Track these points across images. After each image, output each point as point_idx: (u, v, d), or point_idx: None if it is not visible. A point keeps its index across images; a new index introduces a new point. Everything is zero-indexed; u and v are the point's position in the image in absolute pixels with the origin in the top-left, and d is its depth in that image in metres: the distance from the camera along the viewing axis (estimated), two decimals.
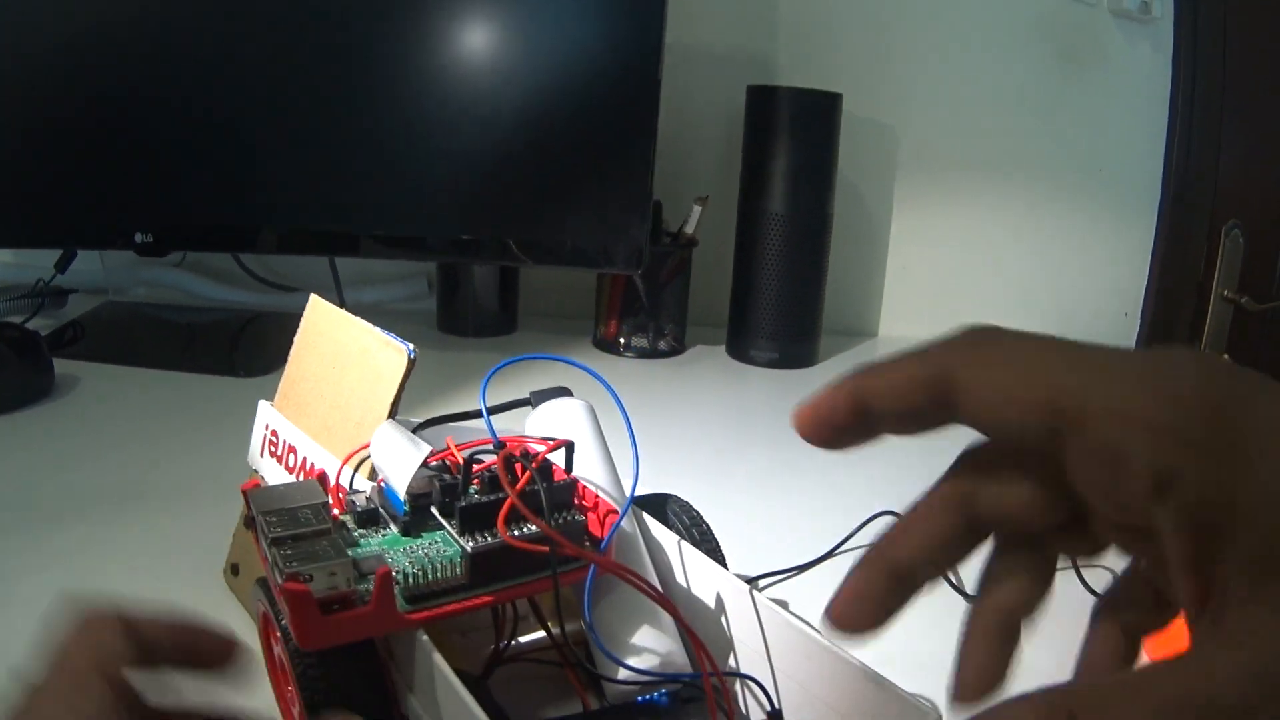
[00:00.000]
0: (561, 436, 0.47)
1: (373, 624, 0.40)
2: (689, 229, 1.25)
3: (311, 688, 0.41)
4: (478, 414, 0.46)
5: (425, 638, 0.40)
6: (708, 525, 0.57)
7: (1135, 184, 1.45)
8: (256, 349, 1.16)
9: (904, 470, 0.92)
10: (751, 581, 0.69)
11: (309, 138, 1.09)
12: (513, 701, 0.44)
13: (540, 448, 0.45)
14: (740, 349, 1.28)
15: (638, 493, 0.49)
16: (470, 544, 0.41)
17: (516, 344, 1.26)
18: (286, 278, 1.36)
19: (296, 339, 0.55)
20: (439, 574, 0.41)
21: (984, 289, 1.48)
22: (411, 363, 0.46)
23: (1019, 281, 1.48)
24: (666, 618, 0.45)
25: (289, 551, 0.39)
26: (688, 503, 0.59)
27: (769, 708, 0.43)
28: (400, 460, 0.43)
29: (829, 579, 0.72)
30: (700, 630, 0.46)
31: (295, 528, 0.41)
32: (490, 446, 0.45)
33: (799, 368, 1.27)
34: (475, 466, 0.43)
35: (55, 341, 1.10)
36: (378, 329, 0.49)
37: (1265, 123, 1.43)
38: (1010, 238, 1.46)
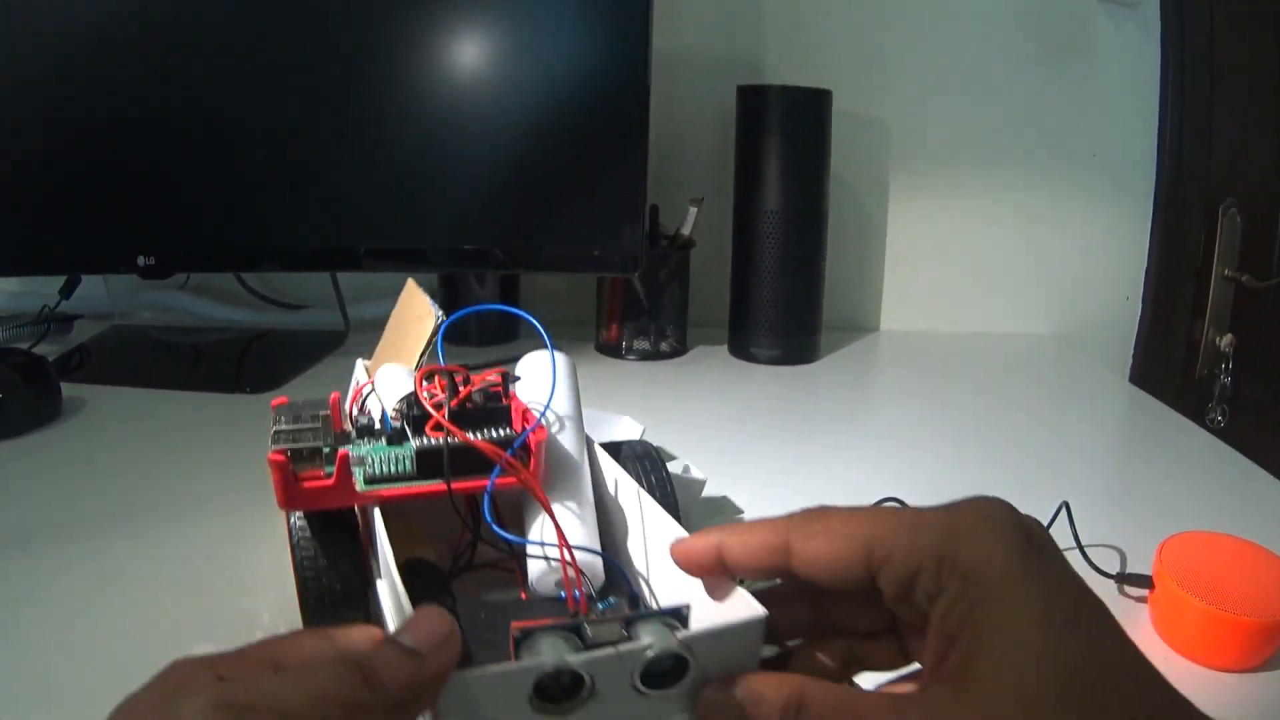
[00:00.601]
0: (537, 381, 0.58)
1: (334, 495, 0.49)
2: (685, 231, 1.26)
3: (303, 561, 0.52)
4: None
5: (378, 510, 0.49)
6: (664, 468, 0.65)
7: (1129, 168, 1.45)
8: (262, 366, 1.18)
9: (908, 462, 0.94)
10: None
11: (307, 156, 1.10)
12: (466, 591, 0.53)
13: (494, 380, 0.54)
14: (742, 348, 1.28)
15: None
16: (418, 443, 0.49)
17: (519, 350, 1.26)
18: (290, 295, 1.37)
19: (393, 313, 0.70)
20: (395, 466, 0.49)
21: (982, 278, 1.49)
22: (439, 324, 0.58)
23: (1017, 269, 1.48)
24: (588, 527, 0.52)
25: (280, 434, 0.49)
26: (653, 447, 0.67)
27: (630, 590, 0.50)
28: (390, 390, 0.53)
29: None
30: (615, 548, 0.54)
31: (294, 424, 0.50)
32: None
33: (801, 364, 1.28)
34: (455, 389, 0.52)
35: (62, 366, 1.11)
36: (432, 303, 0.62)
37: (1256, 100, 1.43)
38: (1007, 226, 1.46)
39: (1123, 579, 0.68)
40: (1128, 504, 0.86)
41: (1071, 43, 1.39)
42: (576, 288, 1.34)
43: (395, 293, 0.75)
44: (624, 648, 0.37)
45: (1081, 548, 0.71)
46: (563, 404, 0.58)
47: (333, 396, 0.55)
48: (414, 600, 0.40)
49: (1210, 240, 1.46)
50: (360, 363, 0.68)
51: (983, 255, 1.48)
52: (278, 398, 0.54)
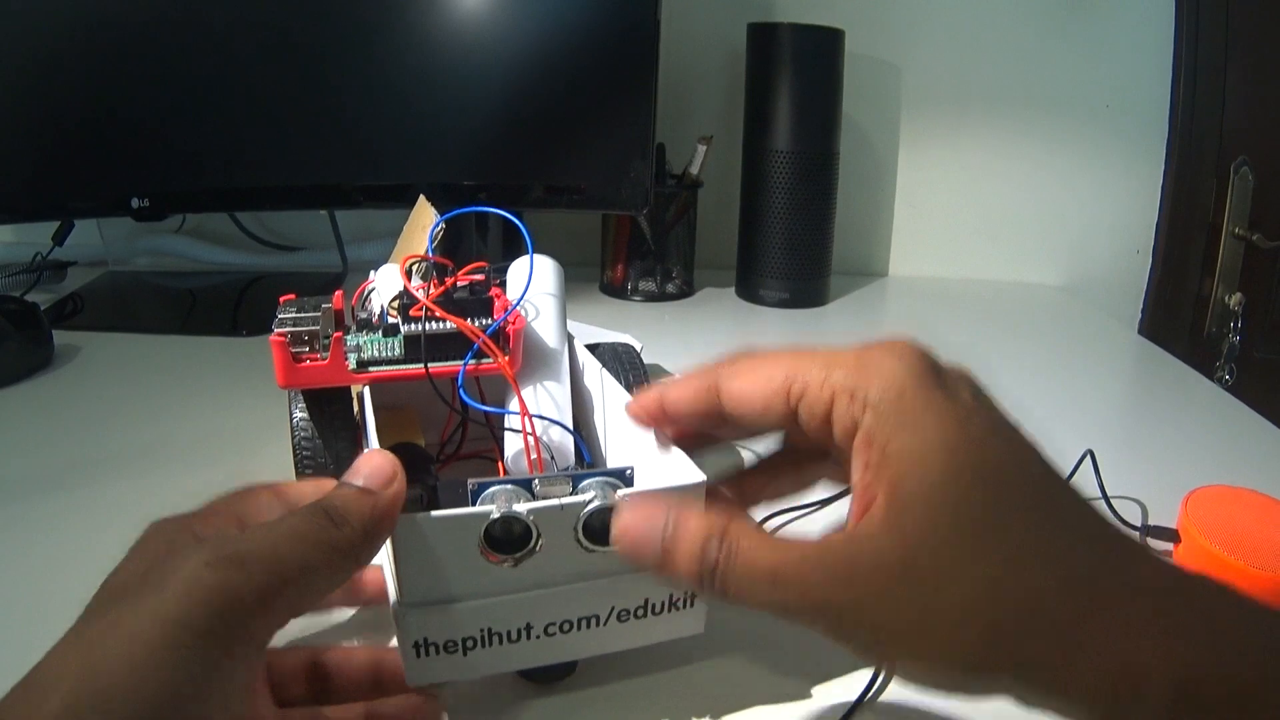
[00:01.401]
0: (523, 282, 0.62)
1: (328, 374, 0.53)
2: (694, 170, 1.24)
3: (300, 442, 0.58)
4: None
5: (369, 398, 0.52)
6: (641, 363, 0.72)
7: (1142, 120, 1.43)
8: (259, 308, 1.15)
9: None
10: (769, 518, 0.69)
11: (303, 92, 1.07)
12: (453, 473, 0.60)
13: (478, 276, 0.57)
14: (750, 290, 1.27)
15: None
16: (405, 328, 0.53)
17: None
18: (287, 238, 1.35)
19: (405, 226, 0.71)
20: (385, 351, 0.53)
21: (992, 227, 1.47)
22: (441, 229, 0.61)
23: (1028, 219, 1.47)
24: (561, 407, 0.56)
25: (283, 321, 0.54)
26: (633, 348, 0.74)
27: (586, 462, 0.54)
28: (389, 288, 0.56)
29: (844, 512, 0.71)
30: (588, 432, 0.59)
31: (297, 314, 0.55)
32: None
33: (809, 307, 1.26)
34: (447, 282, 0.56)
35: (56, 314, 1.09)
36: (437, 216, 0.63)
37: (1271, 60, 1.42)
38: (1018, 175, 1.45)
39: (1147, 531, 0.66)
40: (1145, 456, 0.84)
41: None
42: (582, 227, 1.32)
43: (394, 234, 0.74)
44: (567, 500, 0.41)
45: (1107, 498, 0.69)
46: (543, 300, 0.63)
47: (336, 293, 0.58)
48: None
49: (1221, 197, 1.45)
50: (373, 271, 0.68)
51: (993, 204, 1.46)
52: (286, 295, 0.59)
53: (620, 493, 0.41)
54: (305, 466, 0.58)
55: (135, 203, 1.08)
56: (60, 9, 1.03)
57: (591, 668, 0.49)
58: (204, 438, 0.78)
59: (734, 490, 0.47)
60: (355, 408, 0.59)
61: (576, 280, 1.26)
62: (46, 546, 0.62)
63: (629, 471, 0.44)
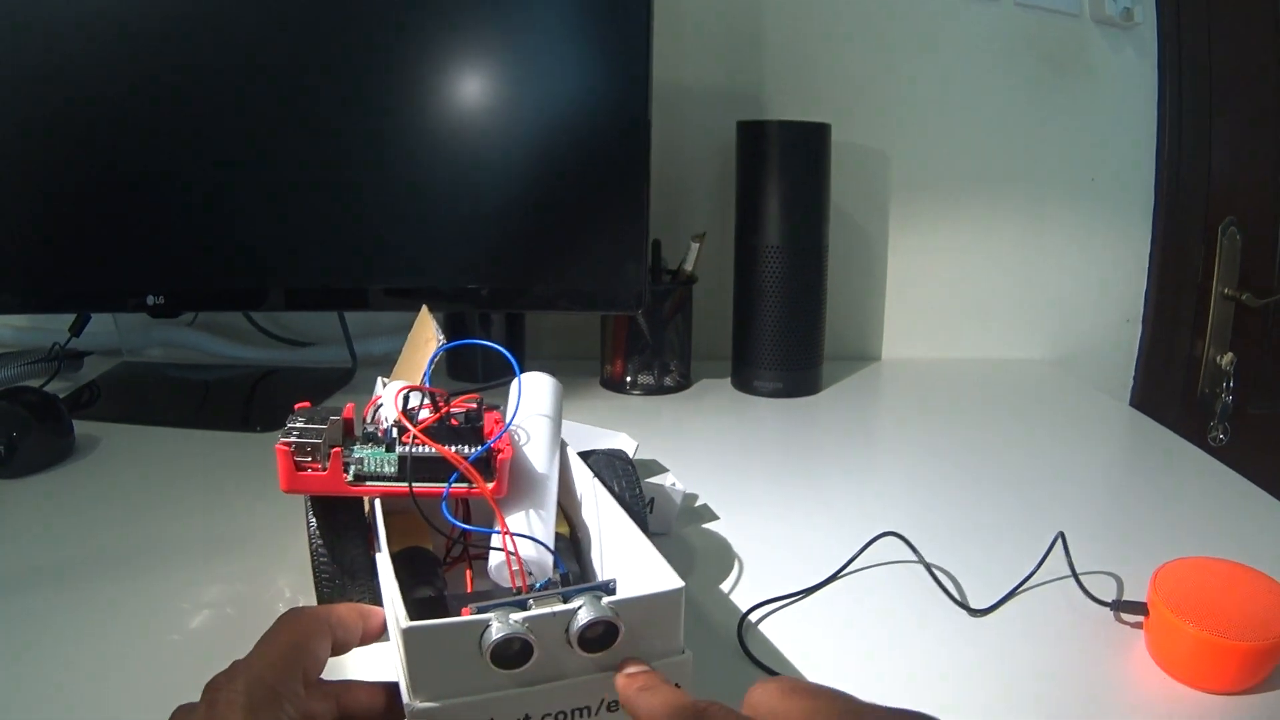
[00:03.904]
0: (525, 402, 0.68)
1: (327, 483, 0.57)
2: (688, 266, 1.27)
3: (317, 550, 0.60)
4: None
5: (379, 506, 0.59)
6: (633, 468, 0.73)
7: (1128, 190, 1.47)
8: (271, 403, 1.19)
9: (907, 495, 0.95)
10: (758, 607, 0.72)
11: (311, 197, 1.11)
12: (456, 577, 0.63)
13: (473, 404, 0.60)
14: (744, 381, 1.30)
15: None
16: (400, 450, 0.57)
17: None
18: (298, 333, 1.39)
19: (409, 336, 0.75)
20: (380, 467, 0.57)
21: (983, 305, 1.50)
22: (440, 345, 0.67)
23: (1017, 295, 1.50)
24: (544, 527, 0.59)
25: (291, 430, 0.57)
26: (627, 456, 0.75)
27: (561, 569, 0.59)
28: (389, 403, 0.59)
29: (836, 599, 0.74)
30: (582, 545, 0.65)
31: (307, 424, 0.58)
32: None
33: (803, 395, 1.29)
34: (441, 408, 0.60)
35: (73, 404, 1.13)
36: (437, 328, 0.69)
37: (1254, 120, 1.44)
38: (1006, 252, 1.48)
39: (1118, 606, 0.70)
40: (1126, 530, 0.87)
41: (1069, 66, 1.41)
42: (581, 324, 1.35)
43: (403, 329, 0.78)
44: (558, 609, 0.46)
45: (1077, 576, 0.73)
46: (536, 421, 0.67)
47: (347, 407, 0.61)
48: (405, 582, 0.50)
49: (1210, 259, 1.48)
50: (380, 379, 0.75)
51: (983, 282, 1.49)
52: (301, 402, 0.62)
53: (605, 600, 0.46)
54: (323, 574, 0.62)
55: (151, 299, 1.12)
56: (82, 109, 1.08)
57: None
58: (225, 533, 0.81)
59: None
60: (367, 508, 0.63)
61: (577, 374, 1.30)
62: (75, 639, 0.64)
63: (612, 584, 0.48)
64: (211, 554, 0.78)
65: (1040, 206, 1.46)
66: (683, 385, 1.31)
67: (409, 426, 0.57)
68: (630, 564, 0.55)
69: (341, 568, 0.61)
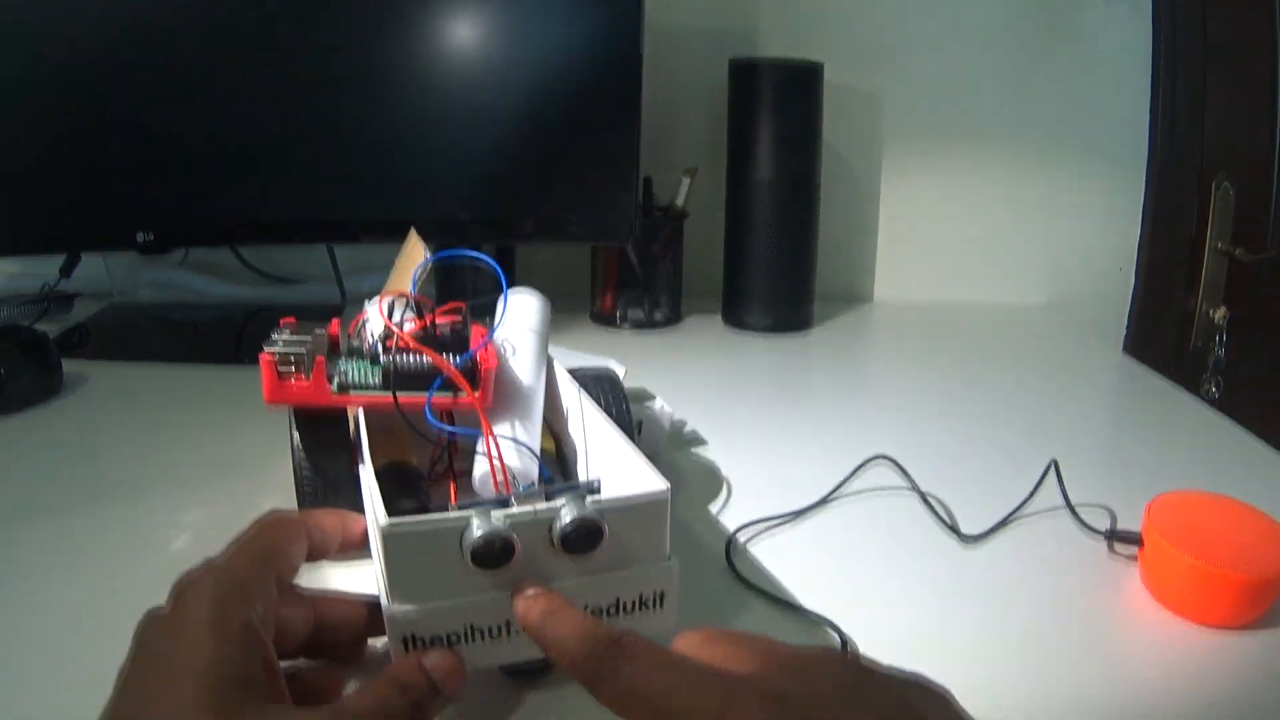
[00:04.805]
0: (512, 317, 0.68)
1: (310, 394, 0.56)
2: (679, 201, 1.27)
3: (301, 464, 0.62)
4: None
5: (363, 419, 0.58)
6: (620, 387, 0.75)
7: (1122, 141, 1.45)
8: (261, 338, 1.18)
9: (900, 425, 0.95)
10: (746, 527, 0.72)
11: (301, 130, 1.10)
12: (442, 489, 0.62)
13: (458, 316, 0.60)
14: (736, 316, 1.30)
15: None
16: (384, 358, 0.56)
17: None
18: (288, 271, 1.38)
19: (397, 258, 0.76)
20: (364, 378, 0.57)
21: (975, 249, 1.50)
22: (427, 263, 0.66)
23: (1010, 240, 1.49)
24: (530, 435, 0.60)
25: (275, 342, 0.57)
26: (615, 375, 0.76)
27: (546, 477, 0.58)
28: (375, 318, 0.58)
29: (827, 522, 0.74)
30: (568, 454, 0.65)
31: (291, 336, 0.58)
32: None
33: (794, 332, 1.29)
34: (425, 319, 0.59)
35: (62, 345, 1.11)
36: (425, 247, 0.70)
37: (1248, 75, 1.43)
38: (999, 197, 1.47)
39: (1112, 536, 0.69)
40: (1119, 466, 0.87)
41: (1064, 17, 1.40)
42: (571, 259, 1.35)
43: (391, 266, 0.78)
44: (541, 508, 0.45)
45: (1071, 506, 0.73)
46: (523, 335, 0.67)
47: (333, 321, 0.61)
48: (388, 495, 0.48)
49: (1203, 214, 1.47)
50: (367, 300, 0.73)
51: (975, 227, 1.48)
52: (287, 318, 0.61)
53: (589, 501, 0.45)
54: (306, 489, 0.62)
55: (140, 237, 1.11)
56: (66, 48, 1.06)
57: None
58: (210, 462, 0.81)
59: None
60: (352, 430, 0.62)
61: (567, 310, 1.29)
62: (60, 566, 0.64)
63: (596, 484, 0.48)
64: (196, 481, 0.77)
65: (1034, 153, 1.45)
66: (673, 320, 1.31)
67: (394, 330, 0.56)
68: (617, 473, 0.55)
69: (325, 482, 0.61)
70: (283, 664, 0.43)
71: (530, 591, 0.45)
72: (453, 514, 0.44)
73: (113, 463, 0.82)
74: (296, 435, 0.61)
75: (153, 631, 0.40)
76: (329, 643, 0.49)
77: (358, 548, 0.52)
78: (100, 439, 0.87)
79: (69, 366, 1.01)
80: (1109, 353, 1.32)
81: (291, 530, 0.47)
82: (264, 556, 0.44)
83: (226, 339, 1.20)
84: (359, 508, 0.56)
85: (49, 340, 1.00)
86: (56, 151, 1.10)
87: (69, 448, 0.86)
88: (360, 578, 0.57)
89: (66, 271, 1.28)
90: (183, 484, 0.77)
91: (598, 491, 0.47)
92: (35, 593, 0.61)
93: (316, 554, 0.49)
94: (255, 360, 0.95)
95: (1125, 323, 1.53)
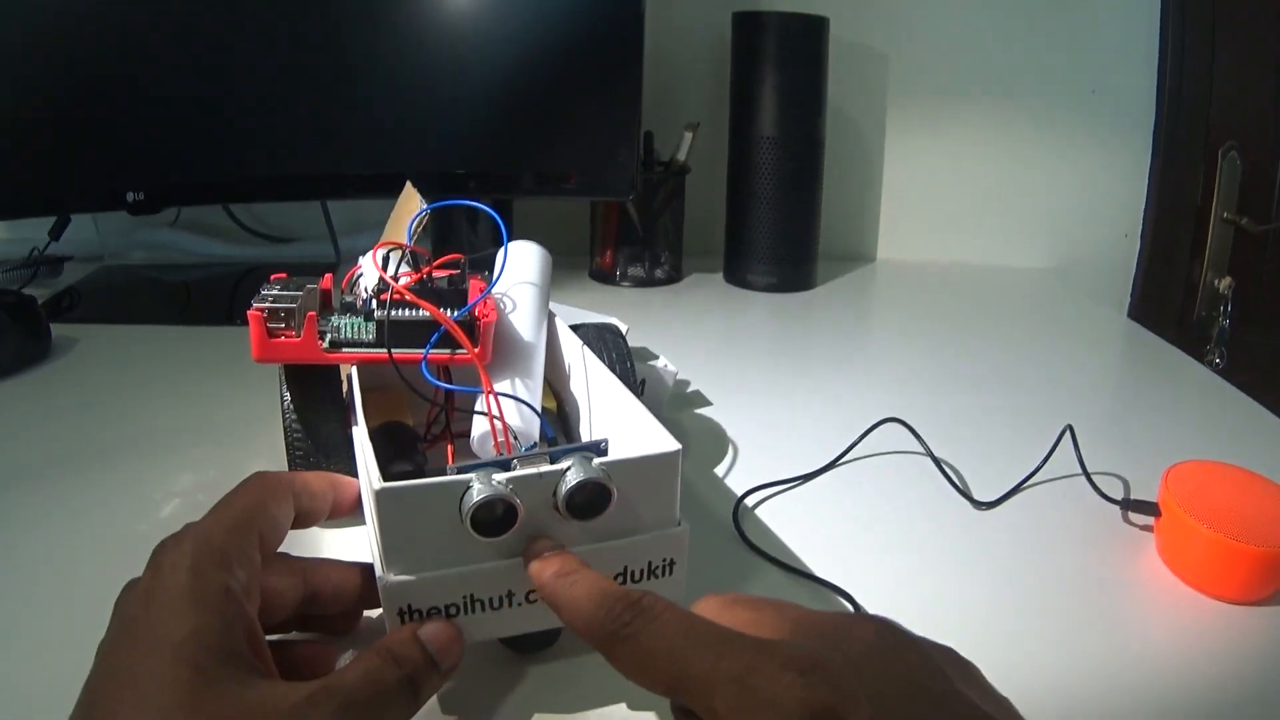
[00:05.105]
0: (511, 269, 0.66)
1: (300, 351, 0.54)
2: (680, 156, 1.25)
3: (291, 426, 0.59)
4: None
5: (356, 379, 0.56)
6: (624, 343, 0.72)
7: (1129, 105, 1.43)
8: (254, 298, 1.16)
9: (906, 384, 0.93)
10: (754, 491, 0.70)
11: (295, 84, 1.08)
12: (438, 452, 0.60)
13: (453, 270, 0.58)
14: (738, 274, 1.28)
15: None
16: (378, 313, 0.54)
17: None
18: (281, 230, 1.36)
19: (392, 212, 0.72)
20: (357, 333, 0.55)
21: (980, 211, 1.48)
22: (423, 219, 0.61)
23: (1015, 202, 1.47)
24: (531, 392, 0.57)
25: (264, 297, 0.55)
26: (619, 330, 0.74)
27: (550, 436, 0.55)
28: (370, 272, 0.56)
29: (835, 485, 0.73)
30: (571, 413, 0.63)
31: (282, 291, 0.56)
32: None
33: (797, 291, 1.27)
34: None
35: (52, 308, 1.10)
36: (421, 199, 0.65)
37: (1258, 45, 1.42)
38: (1004, 159, 1.45)
39: (1128, 505, 0.67)
40: (1129, 434, 0.85)
41: None
42: (571, 215, 1.33)
43: (385, 224, 0.75)
44: (545, 469, 0.42)
45: (1088, 473, 0.70)
46: (523, 289, 0.64)
47: (325, 277, 0.59)
48: (383, 457, 0.46)
49: (1209, 182, 1.45)
50: (361, 256, 0.70)
51: (980, 187, 1.47)
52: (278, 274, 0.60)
53: (596, 462, 0.43)
54: (297, 452, 0.60)
55: (130, 196, 1.09)
56: (53, 5, 1.04)
57: (574, 637, 0.50)
58: (200, 425, 0.79)
59: None
60: (345, 389, 0.60)
61: (566, 267, 1.27)
62: (45, 534, 0.63)
63: (603, 444, 0.44)
64: (187, 445, 0.75)
65: (1040, 117, 1.43)
66: (674, 278, 1.29)
67: (389, 282, 0.53)
68: (623, 431, 0.52)
69: (316, 445, 0.59)
70: (273, 638, 0.41)
71: (544, 551, 0.42)
72: (451, 476, 0.41)
73: (100, 426, 0.80)
74: (287, 395, 0.59)
75: (129, 602, 0.37)
76: (321, 614, 0.47)
77: (349, 513, 0.50)
78: (88, 402, 0.85)
79: (59, 330, 0.99)
80: (1114, 317, 1.30)
81: (277, 492, 0.44)
82: (246, 520, 0.42)
83: (219, 299, 1.18)
84: (352, 472, 0.53)
85: (36, 303, 0.97)
86: (44, 111, 1.08)
87: (56, 412, 0.83)
88: (354, 547, 0.55)
89: (56, 234, 1.26)
90: (171, 448, 0.75)
91: (605, 452, 0.44)
92: (18, 560, 0.60)
93: (305, 518, 0.47)
94: (249, 321, 0.93)
95: (1130, 289, 1.51)
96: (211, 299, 1.18)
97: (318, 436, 0.59)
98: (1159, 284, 1.50)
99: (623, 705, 0.47)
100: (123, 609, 0.37)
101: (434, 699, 0.46)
